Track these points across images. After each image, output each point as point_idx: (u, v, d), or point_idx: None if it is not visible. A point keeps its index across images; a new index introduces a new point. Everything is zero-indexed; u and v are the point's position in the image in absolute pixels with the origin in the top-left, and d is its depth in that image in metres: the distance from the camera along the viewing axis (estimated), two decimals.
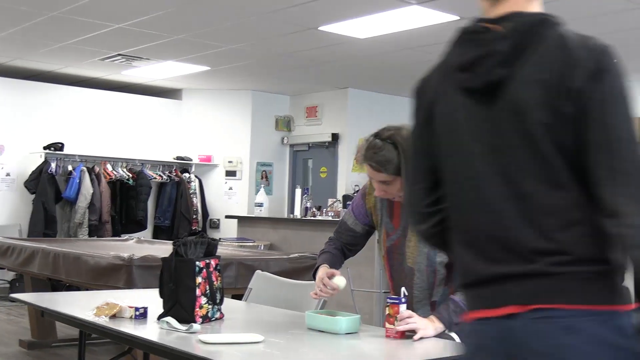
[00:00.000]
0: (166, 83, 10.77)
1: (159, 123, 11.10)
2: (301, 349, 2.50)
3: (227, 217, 10.04)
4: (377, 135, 2.73)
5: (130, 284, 4.74)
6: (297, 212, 9.24)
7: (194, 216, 10.88)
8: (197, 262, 2.78)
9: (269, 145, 11.55)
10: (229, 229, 10.64)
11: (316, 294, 2.87)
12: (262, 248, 8.69)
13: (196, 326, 2.61)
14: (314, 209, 9.27)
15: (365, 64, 9.20)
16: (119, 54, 8.79)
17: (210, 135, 11.34)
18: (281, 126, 11.63)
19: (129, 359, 4.48)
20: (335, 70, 9.69)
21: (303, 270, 5.53)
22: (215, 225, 11.23)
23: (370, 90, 11.00)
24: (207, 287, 2.81)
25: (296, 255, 5.68)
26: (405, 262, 2.83)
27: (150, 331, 2.67)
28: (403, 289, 2.67)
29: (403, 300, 2.61)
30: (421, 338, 2.55)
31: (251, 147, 11.30)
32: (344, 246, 3.05)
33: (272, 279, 3.61)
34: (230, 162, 11.29)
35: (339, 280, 2.81)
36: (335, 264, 2.96)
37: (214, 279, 2.85)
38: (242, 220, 9.72)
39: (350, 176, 10.89)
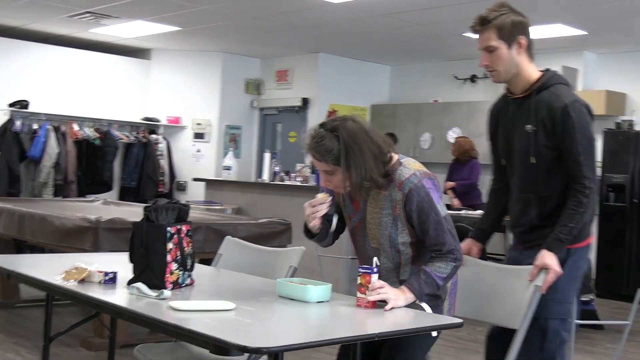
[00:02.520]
0: (135, 42, 10.60)
1: (126, 83, 10.94)
2: (272, 317, 2.49)
3: (195, 179, 9.98)
4: (322, 124, 2.72)
5: (96, 247, 4.70)
6: (266, 176, 9.20)
7: (161, 178, 10.81)
8: (169, 228, 2.75)
9: (238, 108, 11.47)
10: (196, 192, 10.59)
11: (315, 223, 2.83)
12: (229, 212, 8.66)
13: (167, 292, 2.59)
14: (282, 174, 9.24)
15: (337, 29, 9.13)
16: (88, 12, 8.62)
17: (179, 96, 11.21)
18: (251, 89, 11.54)
19: (97, 322, 4.46)
20: (307, 35, 9.61)
21: (272, 235, 5.54)
22: (182, 187, 11.16)
23: (341, 55, 10.95)
24: (178, 253, 2.78)
25: (265, 220, 5.67)
26: (369, 243, 2.83)
27: (120, 297, 2.64)
28: (375, 258, 2.67)
29: (375, 270, 2.61)
30: (392, 308, 2.56)
31: (220, 110, 11.21)
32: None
33: (242, 245, 3.60)
34: (198, 124, 11.20)
35: (322, 194, 2.78)
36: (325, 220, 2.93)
37: (185, 244, 2.82)
38: (210, 183, 9.66)
39: None
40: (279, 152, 11.04)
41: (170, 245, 2.76)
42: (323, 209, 2.80)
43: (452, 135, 10.40)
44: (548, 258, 2.92)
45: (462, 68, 10.70)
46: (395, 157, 2.77)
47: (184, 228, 2.85)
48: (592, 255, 7.79)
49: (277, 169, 9.24)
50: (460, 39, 9.16)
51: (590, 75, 9.59)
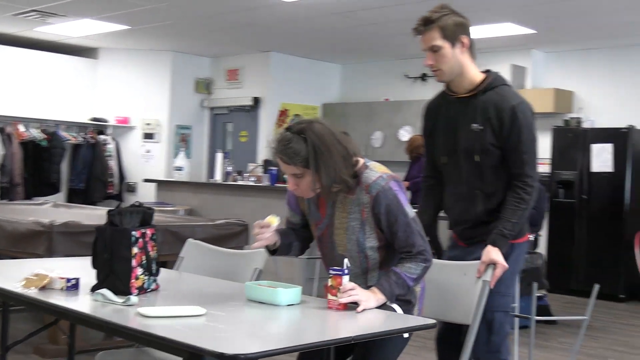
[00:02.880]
0: (82, 41, 10.40)
1: (74, 83, 10.73)
2: (244, 321, 2.45)
3: (146, 180, 9.83)
4: (288, 128, 2.71)
5: (50, 252, 4.59)
6: (218, 177, 9.12)
7: (110, 179, 10.64)
8: (133, 232, 2.69)
9: (188, 108, 11.35)
10: (146, 193, 10.43)
11: (256, 245, 2.82)
12: (182, 213, 8.56)
13: (133, 298, 2.53)
14: (235, 174, 9.17)
15: (289, 28, 9.09)
16: (34, 10, 8.41)
17: (128, 96, 11.04)
18: (201, 89, 11.43)
19: (52, 329, 4.35)
20: (258, 34, 9.55)
21: (230, 236, 5.48)
22: (132, 189, 11.00)
23: (293, 54, 10.91)
24: (144, 257, 2.72)
25: (222, 221, 5.61)
26: (336, 250, 2.81)
27: (85, 303, 2.57)
28: (346, 260, 2.64)
29: (346, 271, 2.59)
30: (363, 310, 2.54)
31: (170, 110, 11.07)
32: (296, 232, 2.99)
33: (204, 248, 3.54)
34: (148, 124, 11.04)
35: (271, 218, 2.76)
36: (284, 236, 2.91)
37: (149, 249, 2.76)
38: (161, 184, 9.54)
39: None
40: (230, 151, 10.96)
41: (135, 250, 2.69)
42: (266, 234, 2.77)
43: (404, 133, 10.46)
44: (494, 253, 2.97)
45: (413, 67, 10.75)
46: (361, 160, 2.76)
47: (149, 232, 2.79)
48: (543, 251, 7.90)
49: (229, 169, 9.16)
50: (411, 38, 9.15)
51: (539, 73, 9.73)
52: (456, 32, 3.04)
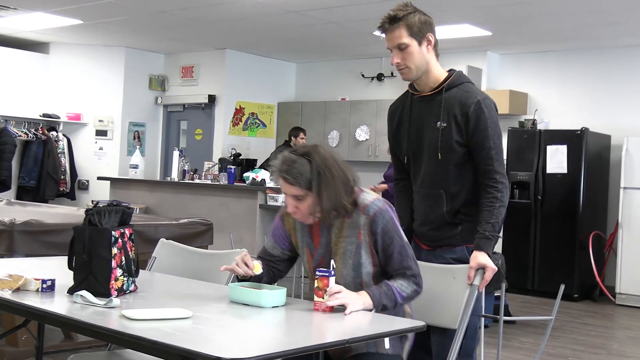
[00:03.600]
0: (33, 36, 10.15)
1: (24, 77, 10.47)
2: (233, 324, 2.39)
3: (100, 178, 9.64)
4: (293, 150, 2.71)
5: (11, 250, 4.45)
6: (175, 175, 8.99)
7: (62, 177, 10.40)
8: (113, 232, 2.61)
9: (142, 105, 11.17)
10: (99, 191, 10.24)
11: (227, 268, 2.74)
12: (137, 211, 8.41)
13: (116, 300, 2.45)
14: (192, 172, 9.06)
15: (245, 25, 9.00)
16: None
17: (80, 92, 10.82)
18: (155, 85, 11.26)
19: (24, 332, 4.22)
20: (214, 30, 9.44)
21: (194, 236, 5.40)
22: (84, 186, 10.78)
23: (249, 52, 10.82)
24: (123, 258, 2.64)
25: (186, 220, 5.52)
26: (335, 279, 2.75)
27: (63, 305, 2.47)
28: (332, 261, 2.61)
29: (332, 272, 2.55)
30: (350, 312, 2.50)
31: (123, 107, 10.87)
32: (269, 266, 2.90)
33: (178, 248, 3.46)
34: (100, 121, 10.83)
35: (257, 266, 2.68)
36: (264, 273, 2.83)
37: (129, 249, 2.68)
38: (114, 182, 9.37)
39: (226, 139, 10.72)
40: (185, 150, 10.82)
41: (114, 250, 2.61)
42: (242, 271, 2.68)
43: (360, 133, 10.47)
44: (481, 257, 2.95)
45: (369, 66, 10.77)
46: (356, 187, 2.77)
47: (127, 232, 2.71)
48: (499, 251, 7.97)
49: (186, 167, 9.05)
50: (367, 38, 9.21)
51: (494, 75, 9.84)
52: (422, 29, 3.00)
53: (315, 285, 2.54)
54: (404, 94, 3.25)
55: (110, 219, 2.65)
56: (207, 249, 5.22)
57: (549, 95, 9.49)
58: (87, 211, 2.62)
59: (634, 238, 8.25)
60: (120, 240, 2.64)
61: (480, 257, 2.94)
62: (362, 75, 10.85)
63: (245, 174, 8.38)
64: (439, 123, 3.04)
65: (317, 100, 11.10)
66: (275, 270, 2.90)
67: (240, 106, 10.85)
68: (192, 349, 1.90)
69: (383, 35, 3.04)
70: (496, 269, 2.96)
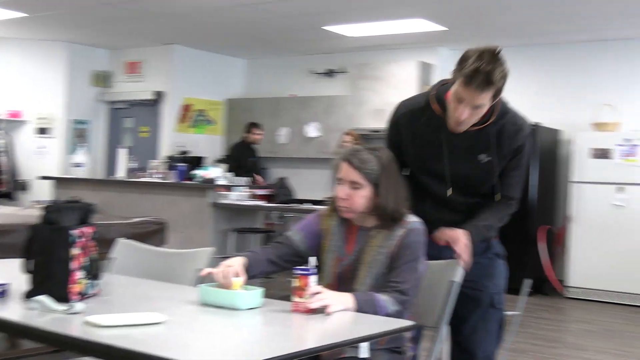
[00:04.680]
0: None
1: None
2: (209, 328, 2.21)
3: (42, 177, 9.29)
4: (361, 144, 2.76)
5: None
6: (121, 173, 8.71)
7: (2, 176, 10.00)
8: (73, 231, 2.41)
9: (85, 102, 10.84)
10: (41, 191, 9.88)
11: (209, 273, 2.55)
12: None
13: (79, 305, 2.25)
14: (138, 170, 8.80)
15: (194, 20, 8.78)
16: None
17: (20, 89, 10.43)
18: (99, 82, 10.93)
19: None
20: (160, 25, 9.19)
21: (146, 235, 5.19)
22: (25, 186, 10.39)
23: (197, 47, 10.58)
24: (84, 259, 2.44)
25: (138, 220, 5.31)
26: (353, 286, 2.63)
27: (19, 312, 2.26)
28: (313, 258, 2.46)
29: (313, 270, 2.40)
30: (331, 313, 2.36)
31: (65, 104, 10.54)
32: (279, 257, 2.72)
33: (138, 248, 3.27)
34: (42, 118, 10.46)
35: (237, 280, 2.49)
36: (256, 267, 2.65)
37: (90, 249, 2.49)
38: (58, 181, 9.03)
39: (173, 136, 10.46)
40: (130, 148, 10.52)
41: (75, 251, 2.41)
42: (220, 280, 2.50)
43: (311, 130, 10.33)
44: (461, 232, 2.84)
45: (319, 62, 10.65)
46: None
47: (88, 231, 2.51)
48: None
49: (133, 165, 8.78)
50: (318, 33, 9.08)
51: (445, 70, 9.75)
52: (502, 89, 2.75)
53: (294, 284, 2.38)
54: (424, 110, 2.91)
55: (70, 217, 2.45)
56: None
57: None
58: (45, 208, 2.41)
59: (584, 232, 8.30)
60: (81, 239, 2.45)
61: (460, 231, 2.84)
62: (312, 72, 10.71)
63: (194, 172, 8.16)
64: (482, 156, 2.85)
65: (266, 97, 10.92)
66: (282, 264, 2.72)
67: (187, 103, 10.61)
68: (173, 358, 1.73)
69: (466, 84, 2.67)
70: (469, 245, 2.83)
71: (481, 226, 2.90)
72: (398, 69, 9.61)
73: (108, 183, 8.83)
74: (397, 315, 2.53)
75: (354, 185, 2.63)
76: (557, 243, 8.85)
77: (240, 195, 7.78)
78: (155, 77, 10.62)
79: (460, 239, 2.83)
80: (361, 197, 2.63)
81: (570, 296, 8.32)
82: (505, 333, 3.14)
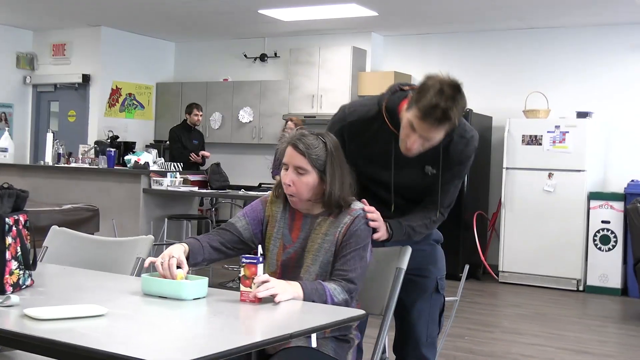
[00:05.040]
0: None
1: None
2: (154, 321, 2.10)
3: None
4: (305, 129, 2.66)
5: None
6: (49, 159, 8.43)
7: None
8: (7, 219, 2.27)
9: (9, 84, 10.47)
10: None
11: (152, 262, 2.45)
12: None
13: (14, 297, 2.12)
14: (66, 156, 8.53)
15: (121, 1, 8.53)
16: None
17: None
18: (23, 64, 10.55)
19: None
20: (87, 6, 8.91)
21: (78, 222, 5.02)
22: None
23: (126, 29, 10.30)
24: (18, 248, 2.31)
25: (69, 206, 5.13)
26: (299, 274, 2.58)
27: None
28: (260, 246, 2.38)
29: (260, 259, 2.32)
30: (279, 302, 2.29)
31: None
32: (222, 244, 2.63)
33: (72, 236, 3.13)
34: None
35: (179, 272, 2.38)
36: (198, 254, 2.56)
37: (24, 238, 2.35)
38: None
39: (102, 121, 10.19)
40: (57, 132, 10.21)
41: (9, 240, 2.28)
42: (161, 272, 2.39)
43: (244, 114, 10.21)
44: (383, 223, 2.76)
45: (251, 46, 10.51)
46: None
47: (22, 218, 2.38)
48: None
49: (60, 150, 8.51)
50: (250, 16, 8.95)
51: (378, 56, 9.80)
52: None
53: (242, 273, 2.30)
54: (378, 118, 2.78)
55: (2, 204, 2.31)
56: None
57: None
58: None
59: (515, 217, 8.43)
60: (14, 228, 2.31)
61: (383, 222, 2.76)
62: (245, 56, 10.57)
63: (126, 157, 7.95)
64: (428, 168, 2.79)
65: (198, 81, 10.74)
66: (226, 251, 2.63)
67: (116, 86, 10.34)
68: (119, 353, 1.63)
69: (422, 118, 2.54)
70: (385, 237, 2.78)
71: (405, 225, 2.84)
72: (331, 55, 9.56)
73: (35, 169, 8.54)
74: (345, 304, 2.49)
75: (300, 170, 2.56)
76: (490, 228, 8.97)
77: (173, 181, 7.61)
78: (83, 60, 10.31)
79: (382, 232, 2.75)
80: (306, 184, 2.56)
81: (502, 280, 8.44)
82: (444, 318, 3.14)
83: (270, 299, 2.28)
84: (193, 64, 11.06)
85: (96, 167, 8.03)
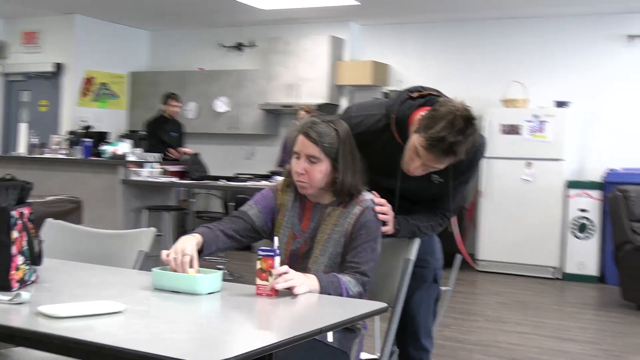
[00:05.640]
0: None
1: None
2: (174, 317, 2.03)
3: None
4: (317, 117, 2.62)
5: None
6: (22, 149, 8.25)
7: None
8: (12, 212, 2.18)
9: None
10: None
11: (166, 260, 2.36)
12: None
13: (25, 294, 2.03)
14: (40, 147, 8.36)
15: None
16: None
17: None
18: None
19: None
20: None
21: (61, 215, 4.87)
22: None
23: (100, 18, 10.12)
24: (24, 243, 2.22)
25: (52, 198, 5.01)
26: (307, 265, 2.53)
27: None
28: (276, 238, 2.32)
29: (277, 251, 2.26)
30: (297, 295, 2.23)
31: None
32: (236, 232, 2.57)
33: (70, 229, 3.04)
34: None
35: (192, 271, 2.31)
36: (213, 243, 2.49)
37: (30, 232, 2.26)
38: None
39: (75, 110, 10.01)
40: (28, 123, 10.00)
41: (15, 234, 2.18)
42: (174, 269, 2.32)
43: (220, 104, 10.09)
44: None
45: (227, 35, 10.39)
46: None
47: (26, 211, 2.29)
48: None
49: (34, 141, 8.33)
50: (226, 5, 8.83)
51: (357, 46, 9.73)
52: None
53: (258, 266, 2.24)
54: (386, 131, 2.72)
55: (7, 196, 2.22)
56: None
57: (410, 66, 9.51)
58: None
59: (494, 206, 8.45)
60: (20, 221, 2.22)
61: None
62: (221, 45, 10.44)
63: (101, 148, 7.80)
64: (435, 177, 2.73)
65: (173, 70, 10.58)
66: (239, 239, 2.58)
67: (89, 76, 10.15)
68: (156, 353, 1.56)
69: (428, 148, 2.47)
70: (391, 232, 2.74)
71: (412, 223, 2.81)
72: (309, 44, 9.48)
73: (8, 159, 8.35)
74: (359, 296, 2.45)
75: (311, 159, 2.52)
76: (468, 217, 8.99)
77: (152, 171, 7.49)
78: (55, 49, 10.10)
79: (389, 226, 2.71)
80: (318, 172, 2.52)
81: (481, 269, 8.47)
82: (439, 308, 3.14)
83: (286, 292, 2.22)
84: (168, 53, 10.90)
85: (72, 157, 7.87)
